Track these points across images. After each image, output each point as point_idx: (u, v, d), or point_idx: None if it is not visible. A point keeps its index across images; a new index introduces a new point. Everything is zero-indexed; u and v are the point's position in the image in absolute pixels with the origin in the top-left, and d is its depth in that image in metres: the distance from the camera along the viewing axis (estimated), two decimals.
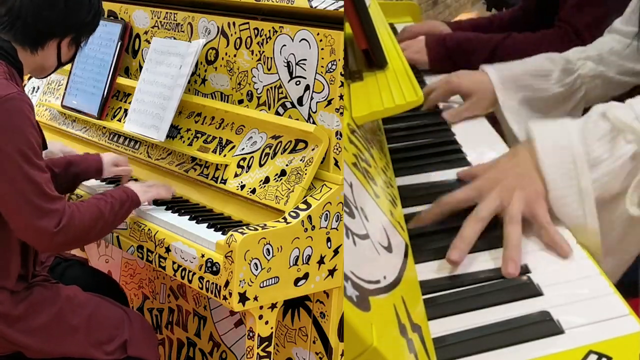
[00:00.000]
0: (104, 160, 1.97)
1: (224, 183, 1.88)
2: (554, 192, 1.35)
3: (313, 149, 1.75)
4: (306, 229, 1.67)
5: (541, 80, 1.98)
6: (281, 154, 1.80)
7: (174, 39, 2.16)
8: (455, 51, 2.40)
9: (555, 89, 1.99)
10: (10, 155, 1.52)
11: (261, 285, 1.62)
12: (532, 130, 1.42)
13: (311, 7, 1.79)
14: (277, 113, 1.88)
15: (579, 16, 2.28)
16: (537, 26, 2.45)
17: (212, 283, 1.63)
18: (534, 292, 1.19)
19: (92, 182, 2.05)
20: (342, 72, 1.71)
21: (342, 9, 1.72)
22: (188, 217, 1.82)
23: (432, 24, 2.76)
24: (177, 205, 1.91)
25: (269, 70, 1.90)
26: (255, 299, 1.61)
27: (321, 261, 1.71)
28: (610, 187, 1.36)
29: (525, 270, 1.25)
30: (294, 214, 1.67)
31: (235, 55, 1.99)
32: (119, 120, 2.26)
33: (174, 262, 1.73)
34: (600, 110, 1.41)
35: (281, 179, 1.76)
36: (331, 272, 1.74)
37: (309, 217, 1.67)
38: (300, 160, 1.75)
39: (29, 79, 2.68)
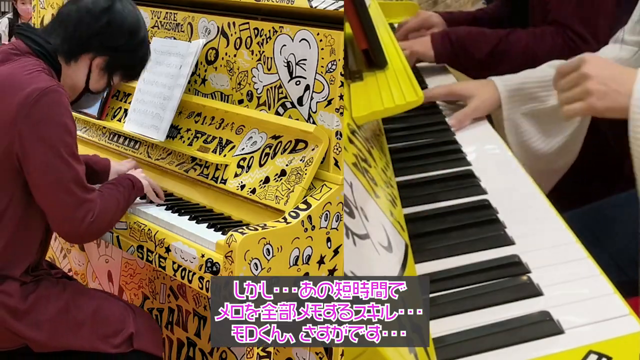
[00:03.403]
0: (111, 169, 2.00)
1: (224, 183, 1.88)
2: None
3: (313, 149, 1.75)
4: (306, 229, 1.67)
5: (548, 90, 1.97)
6: (281, 154, 1.80)
7: (174, 39, 2.16)
8: (459, 45, 2.39)
9: None
10: (54, 145, 1.57)
11: None
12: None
13: (311, 7, 1.79)
14: (277, 113, 1.88)
15: (572, 12, 2.27)
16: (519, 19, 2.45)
17: None
18: (534, 292, 1.19)
19: None
20: (342, 72, 1.71)
21: (342, 9, 1.72)
22: (188, 217, 1.82)
23: (425, 15, 2.75)
24: (177, 205, 1.91)
25: (269, 70, 1.90)
26: None
27: (321, 261, 1.71)
28: None
29: (525, 270, 1.25)
30: (294, 214, 1.67)
31: (235, 55, 1.99)
32: (119, 120, 2.26)
33: (174, 262, 1.73)
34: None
35: (281, 179, 1.76)
36: (331, 272, 1.73)
37: (309, 217, 1.67)
38: (300, 160, 1.75)
39: None
